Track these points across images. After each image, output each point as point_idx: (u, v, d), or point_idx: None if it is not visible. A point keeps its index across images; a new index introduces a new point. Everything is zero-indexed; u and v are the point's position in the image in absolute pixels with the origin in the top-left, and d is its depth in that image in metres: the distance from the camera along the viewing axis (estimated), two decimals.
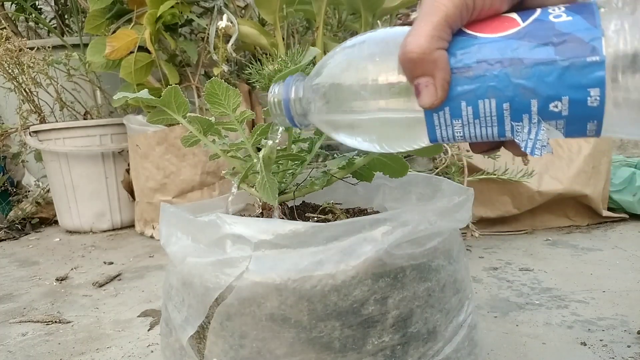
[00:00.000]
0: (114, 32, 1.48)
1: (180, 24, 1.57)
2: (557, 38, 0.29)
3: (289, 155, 0.53)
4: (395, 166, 0.53)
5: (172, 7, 1.39)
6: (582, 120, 0.29)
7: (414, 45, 0.30)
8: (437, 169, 1.17)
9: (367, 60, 0.34)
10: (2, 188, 1.93)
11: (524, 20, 0.30)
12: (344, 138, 0.38)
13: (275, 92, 0.41)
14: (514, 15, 0.31)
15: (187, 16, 1.51)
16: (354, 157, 0.55)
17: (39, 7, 2.03)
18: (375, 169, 0.55)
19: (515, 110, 0.30)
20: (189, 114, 0.53)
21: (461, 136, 0.33)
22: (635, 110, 0.28)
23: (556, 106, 0.29)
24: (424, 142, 0.35)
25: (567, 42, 0.28)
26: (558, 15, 0.30)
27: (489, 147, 0.37)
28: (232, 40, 1.37)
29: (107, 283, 1.15)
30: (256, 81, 0.55)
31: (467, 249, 1.20)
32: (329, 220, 0.49)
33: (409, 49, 0.30)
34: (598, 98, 0.28)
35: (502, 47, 0.30)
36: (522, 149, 0.31)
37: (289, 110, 0.40)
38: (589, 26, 0.28)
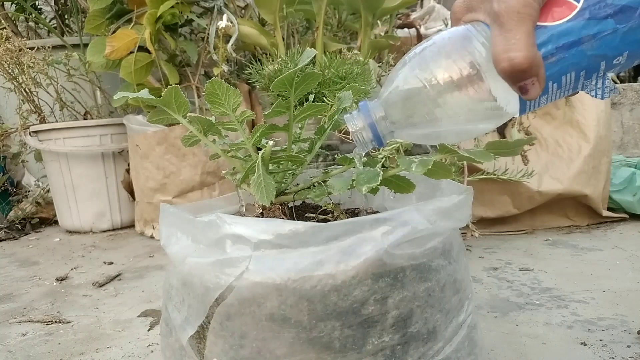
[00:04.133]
0: (114, 32, 1.48)
1: (180, 24, 1.57)
2: (611, 9, 0.35)
3: (289, 155, 0.53)
4: (402, 184, 0.53)
5: (172, 7, 1.39)
6: (632, 62, 0.37)
7: (522, 58, 0.34)
8: None
9: (435, 64, 0.38)
10: (2, 188, 1.93)
11: (577, 1, 0.36)
12: (430, 141, 0.43)
13: (355, 120, 0.42)
14: None
15: (187, 16, 1.51)
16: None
17: (39, 7, 2.03)
18: (381, 185, 0.54)
19: (588, 73, 0.37)
20: (189, 114, 0.53)
21: (543, 104, 0.39)
22: None
23: (618, 60, 0.37)
24: (507, 117, 0.40)
25: (621, 12, 0.35)
26: None
27: None
28: (232, 40, 1.37)
29: (107, 283, 1.15)
30: (256, 81, 0.55)
31: (467, 249, 1.20)
32: (329, 220, 0.49)
33: (518, 62, 0.34)
34: None
35: (572, 29, 0.36)
36: (594, 97, 0.38)
37: (377, 133, 0.42)
38: None
